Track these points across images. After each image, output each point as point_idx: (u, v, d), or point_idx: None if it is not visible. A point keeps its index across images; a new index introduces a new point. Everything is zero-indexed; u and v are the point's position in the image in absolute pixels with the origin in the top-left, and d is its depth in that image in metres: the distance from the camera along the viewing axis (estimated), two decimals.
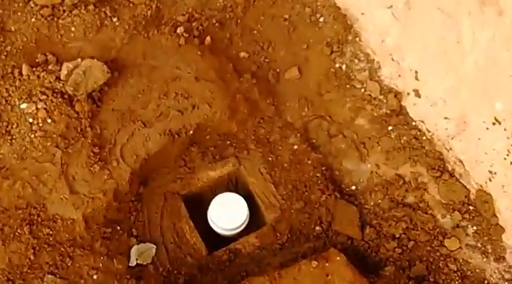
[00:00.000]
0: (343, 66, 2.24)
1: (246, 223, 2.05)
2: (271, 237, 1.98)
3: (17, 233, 1.75)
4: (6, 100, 1.96)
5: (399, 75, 2.05)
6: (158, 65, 2.10)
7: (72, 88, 1.97)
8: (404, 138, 2.01)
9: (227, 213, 2.02)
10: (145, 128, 1.97)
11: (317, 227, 1.98)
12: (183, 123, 2.01)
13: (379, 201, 1.97)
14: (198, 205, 2.18)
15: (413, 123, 2.01)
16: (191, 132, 2.01)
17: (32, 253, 1.73)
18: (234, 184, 2.23)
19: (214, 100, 2.05)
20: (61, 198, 1.81)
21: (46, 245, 1.76)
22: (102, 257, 1.78)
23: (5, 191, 1.81)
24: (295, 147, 2.14)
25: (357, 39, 2.27)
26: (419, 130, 1.99)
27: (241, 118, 2.13)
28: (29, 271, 1.71)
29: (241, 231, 2.07)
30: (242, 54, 2.32)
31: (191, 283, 1.88)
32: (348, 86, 2.19)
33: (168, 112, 2.02)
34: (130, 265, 1.82)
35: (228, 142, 2.16)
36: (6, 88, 1.96)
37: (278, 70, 2.30)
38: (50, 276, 1.71)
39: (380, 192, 1.98)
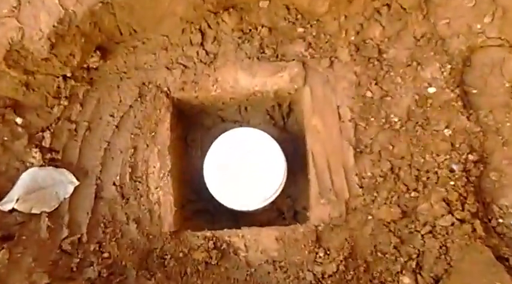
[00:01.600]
0: None
1: (276, 194, 1.02)
2: (304, 253, 0.94)
3: None
4: None
5: None
6: None
7: None
8: None
9: (240, 175, 0.98)
10: None
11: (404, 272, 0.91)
12: None
13: None
14: (200, 130, 1.15)
15: None
16: None
17: None
18: (282, 116, 1.15)
19: None
20: None
21: None
22: None
23: None
24: (432, 90, 0.99)
25: None
26: None
27: None
28: None
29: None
30: None
31: None
32: None
33: None
34: None
35: (302, 30, 1.04)
36: None
37: None
38: None
39: None
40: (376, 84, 1.00)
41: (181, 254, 0.95)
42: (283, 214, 1.10)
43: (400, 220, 0.95)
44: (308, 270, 0.94)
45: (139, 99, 1.02)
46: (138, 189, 0.98)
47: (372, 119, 0.99)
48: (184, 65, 1.03)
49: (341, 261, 0.94)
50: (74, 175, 0.94)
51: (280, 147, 1.00)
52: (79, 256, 0.92)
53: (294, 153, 1.07)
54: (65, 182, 0.93)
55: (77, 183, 0.94)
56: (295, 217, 1.10)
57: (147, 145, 1.00)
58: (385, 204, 0.95)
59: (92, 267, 0.91)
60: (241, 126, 1.10)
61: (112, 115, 1.01)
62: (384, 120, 0.99)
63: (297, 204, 1.10)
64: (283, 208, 1.10)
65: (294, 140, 1.11)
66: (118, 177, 0.98)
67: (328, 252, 0.95)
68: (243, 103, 1.10)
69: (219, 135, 1.02)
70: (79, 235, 0.93)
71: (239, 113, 1.13)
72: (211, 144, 1.01)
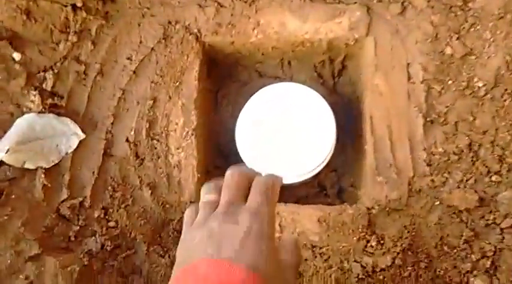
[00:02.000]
0: None
1: (322, 166, 0.84)
2: (352, 240, 0.77)
3: None
4: None
5: None
6: None
7: None
8: None
9: (279, 139, 0.81)
10: None
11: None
12: None
13: None
14: (233, 85, 0.97)
15: None
16: None
17: None
18: (332, 74, 0.95)
19: None
20: None
21: None
22: None
23: None
24: None
25: None
26: None
27: None
28: None
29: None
30: None
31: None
32: None
33: None
34: None
35: None
36: None
37: None
38: None
39: None
40: (458, 38, 0.80)
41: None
42: (325, 190, 0.93)
43: (475, 209, 0.76)
44: (355, 261, 0.77)
45: (163, 41, 0.84)
46: (156, 148, 0.81)
47: (450, 82, 0.79)
48: (219, 3, 0.84)
49: (397, 253, 0.76)
50: (80, 126, 0.78)
51: None
52: (79, 223, 0.76)
53: (344, 119, 0.89)
54: (68, 134, 0.77)
55: (82, 135, 0.78)
56: (340, 195, 0.92)
57: (170, 97, 0.83)
58: (459, 187, 0.77)
59: (94, 237, 0.76)
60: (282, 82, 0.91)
61: (129, 59, 0.83)
62: (464, 84, 0.79)
63: (344, 180, 0.92)
64: (325, 183, 0.92)
65: (345, 104, 0.92)
66: (132, 133, 0.81)
67: (382, 241, 0.77)
68: (287, 56, 0.91)
69: (256, 92, 0.84)
70: (81, 198, 0.77)
71: (281, 68, 0.95)
72: (246, 101, 0.84)
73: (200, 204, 0.52)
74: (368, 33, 0.81)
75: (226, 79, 0.96)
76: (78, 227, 0.76)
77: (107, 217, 0.78)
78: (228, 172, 0.52)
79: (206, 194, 0.52)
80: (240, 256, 0.44)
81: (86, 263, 0.73)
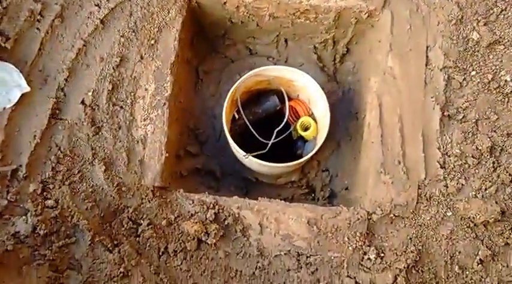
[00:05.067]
0: None
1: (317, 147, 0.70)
2: (347, 249, 0.63)
3: None
4: None
5: None
6: None
7: None
8: None
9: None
10: None
11: None
12: None
13: None
14: (218, 61, 0.83)
15: None
16: None
17: None
18: (334, 59, 0.83)
19: None
20: None
21: None
22: None
23: None
24: None
25: None
26: None
27: None
28: None
29: None
30: None
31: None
32: None
33: None
34: None
35: None
36: None
37: None
38: None
39: None
40: (485, 24, 0.69)
41: (164, 222, 0.64)
42: (313, 193, 0.79)
43: (494, 223, 0.64)
44: (348, 276, 0.63)
45: None
46: (117, 117, 0.66)
47: (473, 73, 0.68)
48: None
49: (400, 271, 0.63)
50: (25, 77, 0.62)
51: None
52: (8, 197, 0.60)
53: (340, 113, 0.76)
54: (10, 84, 0.61)
55: (27, 88, 0.62)
56: (331, 200, 0.78)
57: (142, 57, 0.68)
58: (476, 197, 0.65)
59: (24, 217, 0.59)
60: (275, 65, 0.78)
61: (98, 5, 0.69)
62: (490, 77, 0.68)
63: (337, 182, 0.79)
64: (315, 184, 0.79)
65: (344, 96, 0.80)
66: (90, 94, 0.66)
67: (382, 254, 0.64)
68: (285, 31, 0.78)
69: (244, 73, 0.71)
70: (14, 166, 0.61)
71: (276, 47, 0.82)
72: (233, 82, 0.70)
73: None
74: (384, 6, 0.69)
75: (210, 52, 0.82)
76: (6, 202, 0.60)
77: (45, 193, 0.62)
78: None
79: None
80: None
81: (9, 248, 0.57)
